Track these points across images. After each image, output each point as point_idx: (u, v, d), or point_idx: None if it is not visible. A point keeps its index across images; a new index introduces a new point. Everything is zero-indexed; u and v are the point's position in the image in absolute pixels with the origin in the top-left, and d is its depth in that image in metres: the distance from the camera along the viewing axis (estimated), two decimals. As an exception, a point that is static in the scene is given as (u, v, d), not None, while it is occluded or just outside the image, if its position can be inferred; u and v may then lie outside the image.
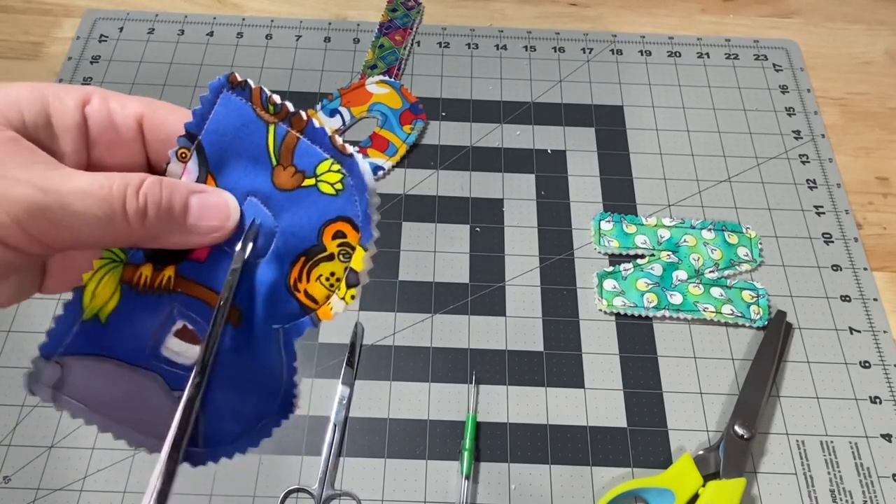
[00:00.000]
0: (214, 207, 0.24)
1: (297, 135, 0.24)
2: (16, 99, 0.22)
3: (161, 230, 0.23)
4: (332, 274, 0.25)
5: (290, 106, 0.24)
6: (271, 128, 0.25)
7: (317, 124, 0.24)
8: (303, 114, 0.24)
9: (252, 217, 0.25)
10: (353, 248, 0.24)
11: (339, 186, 0.24)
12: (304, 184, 0.25)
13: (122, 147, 0.25)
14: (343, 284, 0.24)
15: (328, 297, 0.25)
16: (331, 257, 0.25)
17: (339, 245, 0.25)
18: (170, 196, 0.23)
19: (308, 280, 0.25)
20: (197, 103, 0.25)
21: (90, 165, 0.24)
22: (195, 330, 0.25)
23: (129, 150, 0.25)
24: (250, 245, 0.25)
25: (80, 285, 0.24)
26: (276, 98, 0.24)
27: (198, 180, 0.25)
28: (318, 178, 0.24)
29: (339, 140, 0.24)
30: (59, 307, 0.25)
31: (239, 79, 0.24)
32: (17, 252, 0.21)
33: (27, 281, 0.25)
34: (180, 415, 0.23)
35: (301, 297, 0.25)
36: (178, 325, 0.25)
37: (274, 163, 0.25)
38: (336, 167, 0.24)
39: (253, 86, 0.24)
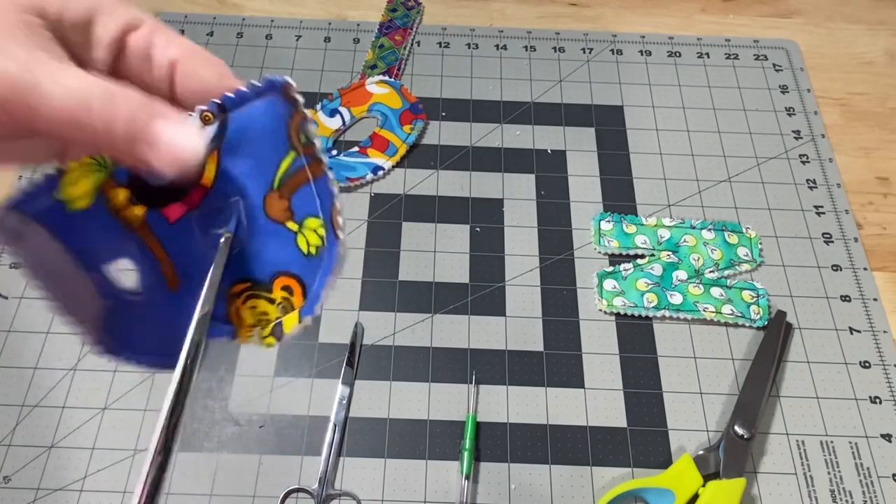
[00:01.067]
0: (183, 133, 0.23)
1: (310, 177, 0.24)
2: None
3: (127, 142, 0.22)
4: (265, 314, 0.25)
5: (318, 146, 0.24)
6: (292, 154, 0.24)
7: (331, 177, 0.24)
8: (324, 160, 0.24)
9: (232, 216, 0.25)
10: (292, 309, 0.25)
11: (313, 250, 0.24)
12: (287, 224, 0.25)
13: (150, 79, 0.25)
14: (269, 329, 0.25)
15: (252, 327, 0.25)
16: (271, 301, 0.25)
17: (283, 297, 0.25)
18: (148, 116, 0.22)
19: (244, 303, 0.25)
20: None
21: (114, 78, 0.25)
22: (136, 275, 0.25)
23: (157, 85, 0.25)
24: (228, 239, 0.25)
25: (64, 168, 0.25)
26: (313, 129, 0.24)
27: (207, 150, 0.25)
28: (302, 229, 0.24)
29: (339, 217, 0.24)
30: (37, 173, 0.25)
31: (293, 94, 0.24)
32: None
33: (40, 152, 0.25)
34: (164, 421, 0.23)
35: (231, 309, 0.25)
36: (123, 262, 0.25)
37: (275, 187, 0.25)
38: (322, 231, 0.24)
39: (300, 107, 0.24)
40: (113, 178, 0.25)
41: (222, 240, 0.25)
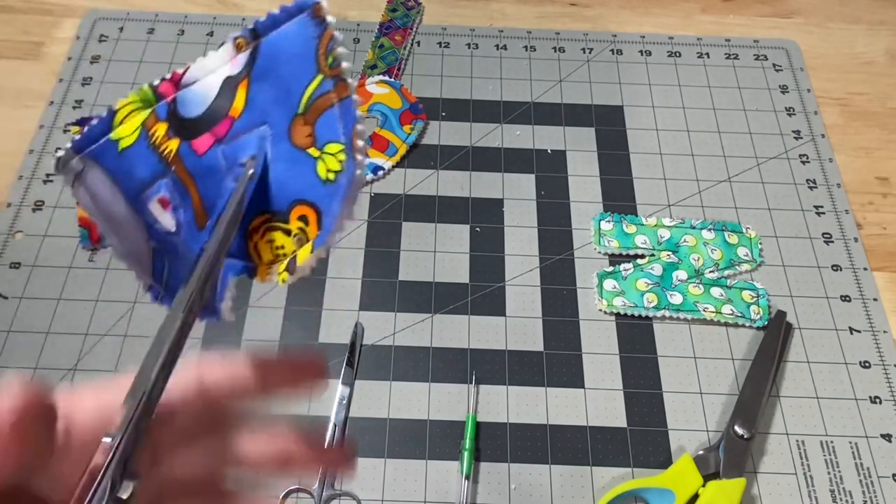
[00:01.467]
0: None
1: (335, 100, 0.23)
2: None
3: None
4: (282, 247, 0.25)
5: (344, 67, 0.23)
6: (319, 77, 0.24)
7: (355, 99, 0.23)
8: (350, 83, 0.24)
9: (257, 146, 0.25)
10: (307, 240, 0.24)
11: (331, 176, 0.24)
12: (309, 151, 0.24)
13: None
14: (284, 264, 0.24)
15: (269, 263, 0.25)
16: (288, 232, 0.24)
17: (298, 228, 0.24)
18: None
19: (262, 237, 0.25)
20: None
21: None
22: (171, 207, 0.26)
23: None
24: (251, 171, 0.24)
25: (115, 108, 0.25)
26: (341, 51, 0.23)
27: (238, 78, 0.25)
28: (323, 154, 0.24)
29: (359, 140, 0.23)
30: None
31: (324, 14, 0.24)
32: None
33: None
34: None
35: (250, 245, 0.25)
36: (162, 194, 0.26)
37: (300, 111, 0.24)
38: (342, 156, 0.24)
39: (331, 27, 0.24)
40: (155, 113, 0.25)
41: (244, 173, 0.24)
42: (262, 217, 0.25)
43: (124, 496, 0.19)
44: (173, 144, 0.25)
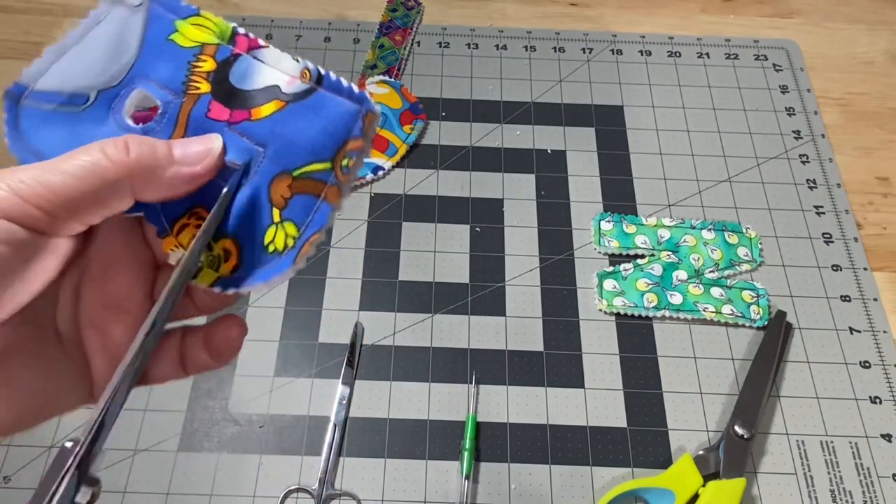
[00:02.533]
0: (196, 140, 0.24)
1: (323, 195, 0.24)
2: None
3: (148, 165, 0.23)
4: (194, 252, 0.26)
5: (350, 180, 0.25)
6: (328, 165, 0.25)
7: (336, 211, 0.24)
8: (344, 196, 0.24)
9: (245, 157, 0.25)
10: (215, 268, 0.25)
11: (271, 248, 0.24)
12: (274, 209, 0.25)
13: None
14: (204, 268, 0.25)
15: (176, 246, 0.26)
16: (209, 248, 0.25)
17: (216, 254, 0.25)
18: (152, 142, 0.23)
19: (194, 226, 0.26)
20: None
21: None
22: (152, 120, 0.26)
23: None
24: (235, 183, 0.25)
25: (198, 10, 0.27)
26: (358, 166, 0.24)
27: (281, 96, 0.25)
28: (282, 223, 0.25)
29: (311, 246, 0.24)
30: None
31: (372, 122, 0.25)
32: (23, 227, 0.21)
33: (70, 386, 0.25)
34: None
35: (181, 219, 0.25)
36: (156, 104, 0.26)
37: (294, 173, 0.25)
38: (290, 242, 0.24)
39: (364, 139, 0.25)
40: (218, 48, 0.26)
41: (223, 193, 0.25)
42: (201, 211, 0.25)
43: (83, 502, 0.20)
44: (203, 87, 0.26)
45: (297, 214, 0.25)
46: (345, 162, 0.24)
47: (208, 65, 0.26)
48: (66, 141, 0.25)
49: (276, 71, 0.26)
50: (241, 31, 0.26)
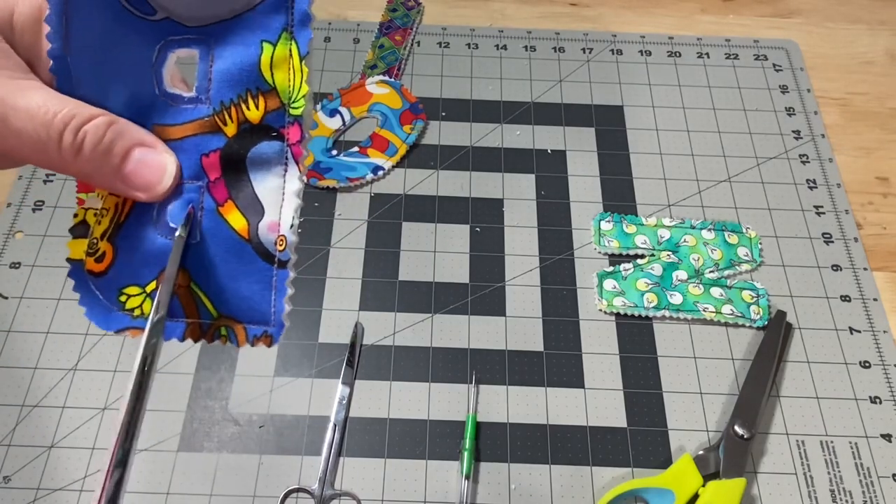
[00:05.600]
0: (153, 166, 0.23)
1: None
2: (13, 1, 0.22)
3: (92, 170, 0.22)
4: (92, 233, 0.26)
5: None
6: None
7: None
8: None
9: (190, 200, 0.25)
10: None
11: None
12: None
13: None
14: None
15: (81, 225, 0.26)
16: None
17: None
18: (112, 140, 0.22)
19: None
20: None
21: None
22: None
23: None
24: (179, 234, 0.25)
25: None
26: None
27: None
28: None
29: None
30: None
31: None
32: None
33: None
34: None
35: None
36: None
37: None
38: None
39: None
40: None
41: (177, 234, 0.25)
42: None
43: None
44: (230, 128, 0.25)
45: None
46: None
47: (253, 113, 0.24)
48: (98, 37, 0.24)
49: (283, 201, 0.24)
50: (298, 113, 0.24)
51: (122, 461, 0.21)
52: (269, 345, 0.26)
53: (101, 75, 0.24)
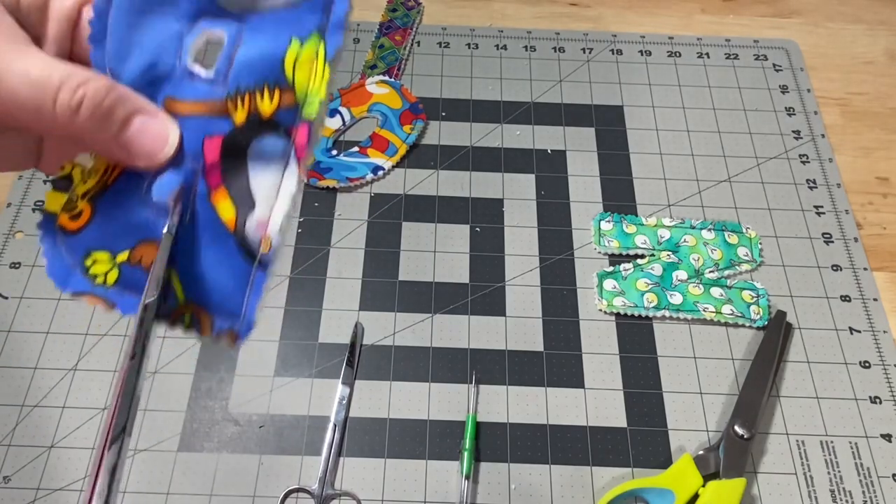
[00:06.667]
0: (154, 134, 0.23)
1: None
2: None
3: (91, 131, 0.22)
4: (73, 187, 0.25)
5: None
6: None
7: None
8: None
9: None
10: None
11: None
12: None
13: None
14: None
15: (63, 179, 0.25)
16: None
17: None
18: (113, 103, 0.22)
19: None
20: None
21: (73, 58, 0.24)
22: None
23: None
24: (177, 217, 0.24)
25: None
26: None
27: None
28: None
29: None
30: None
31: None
32: None
33: (17, 152, 0.25)
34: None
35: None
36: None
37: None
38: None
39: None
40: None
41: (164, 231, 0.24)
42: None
43: None
44: (239, 115, 0.24)
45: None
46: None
47: (266, 106, 0.24)
48: (123, 18, 0.24)
49: (277, 200, 0.24)
50: (311, 114, 0.23)
51: (121, 429, 0.20)
52: (234, 342, 0.24)
53: (129, 37, 0.24)
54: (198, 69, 0.24)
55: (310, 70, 0.23)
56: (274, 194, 0.24)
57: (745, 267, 0.56)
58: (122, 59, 0.24)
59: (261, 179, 0.24)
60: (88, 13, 0.24)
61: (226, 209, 0.24)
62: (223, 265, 0.24)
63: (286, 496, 0.46)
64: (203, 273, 0.24)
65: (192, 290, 0.24)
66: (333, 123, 0.62)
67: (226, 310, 0.24)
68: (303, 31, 0.23)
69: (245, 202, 0.24)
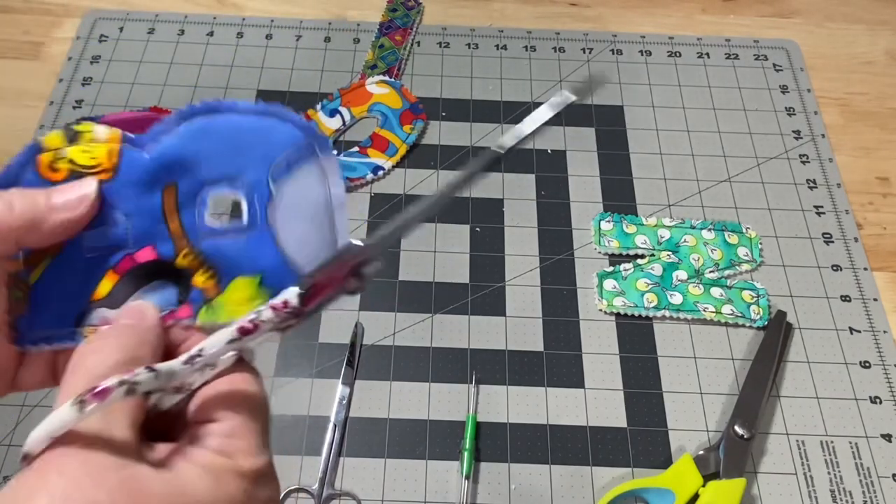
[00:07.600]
0: (71, 186, 0.25)
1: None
2: None
3: (30, 218, 0.24)
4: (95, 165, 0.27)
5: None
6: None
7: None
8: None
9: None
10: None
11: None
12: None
13: None
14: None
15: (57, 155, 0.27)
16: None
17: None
18: (33, 194, 0.25)
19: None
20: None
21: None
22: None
23: None
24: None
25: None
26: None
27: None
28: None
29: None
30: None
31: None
32: None
33: None
34: None
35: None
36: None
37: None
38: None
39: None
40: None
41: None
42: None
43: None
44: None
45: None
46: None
47: (199, 278, 0.27)
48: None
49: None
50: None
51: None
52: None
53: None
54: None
55: (242, 302, 0.26)
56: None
57: (745, 267, 0.56)
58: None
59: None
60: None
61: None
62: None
63: (286, 496, 0.46)
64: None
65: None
66: (333, 123, 0.62)
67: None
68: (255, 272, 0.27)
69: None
